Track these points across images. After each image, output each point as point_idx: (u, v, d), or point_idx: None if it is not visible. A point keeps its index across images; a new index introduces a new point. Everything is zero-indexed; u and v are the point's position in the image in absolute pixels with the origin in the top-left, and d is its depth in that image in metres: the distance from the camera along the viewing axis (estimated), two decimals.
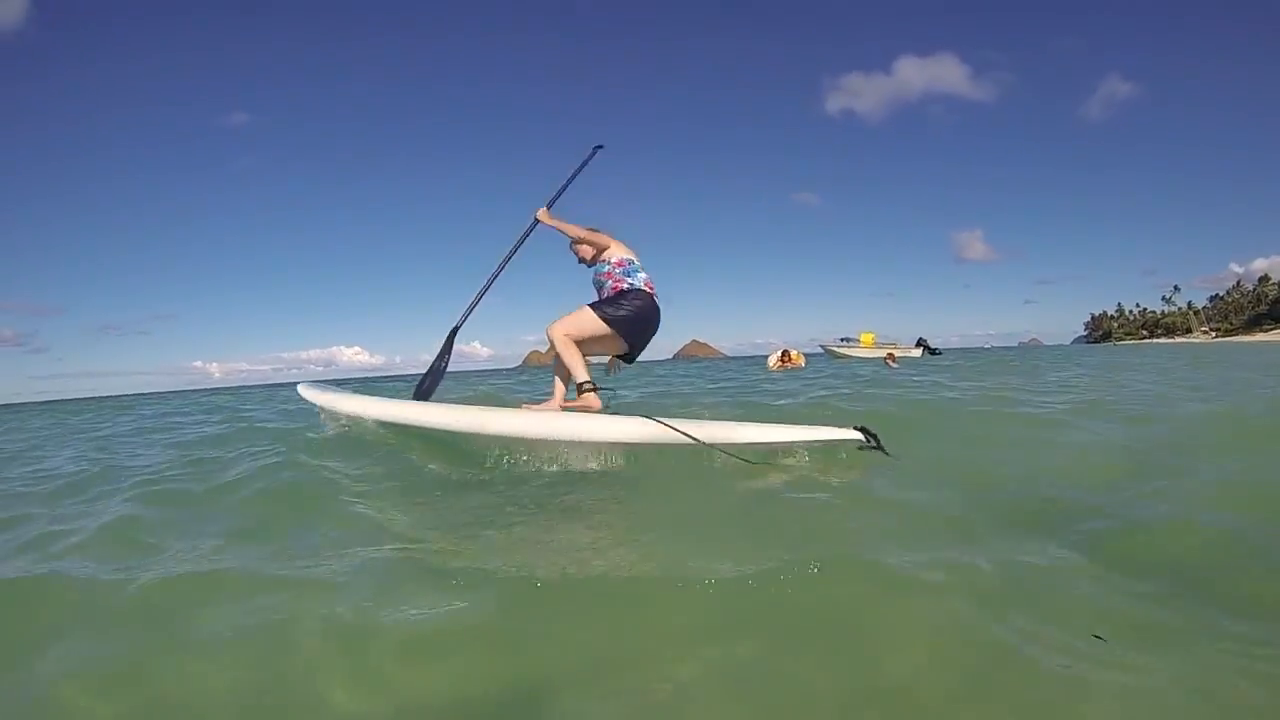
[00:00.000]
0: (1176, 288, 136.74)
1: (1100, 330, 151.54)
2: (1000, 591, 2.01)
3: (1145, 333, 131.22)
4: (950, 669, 1.64)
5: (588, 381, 4.48)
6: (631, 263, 4.70)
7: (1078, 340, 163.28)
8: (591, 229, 4.81)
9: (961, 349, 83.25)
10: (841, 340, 55.57)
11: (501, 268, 5.33)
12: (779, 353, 29.45)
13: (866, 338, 55.67)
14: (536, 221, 5.08)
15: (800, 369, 25.61)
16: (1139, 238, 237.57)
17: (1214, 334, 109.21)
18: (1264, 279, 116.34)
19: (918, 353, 52.31)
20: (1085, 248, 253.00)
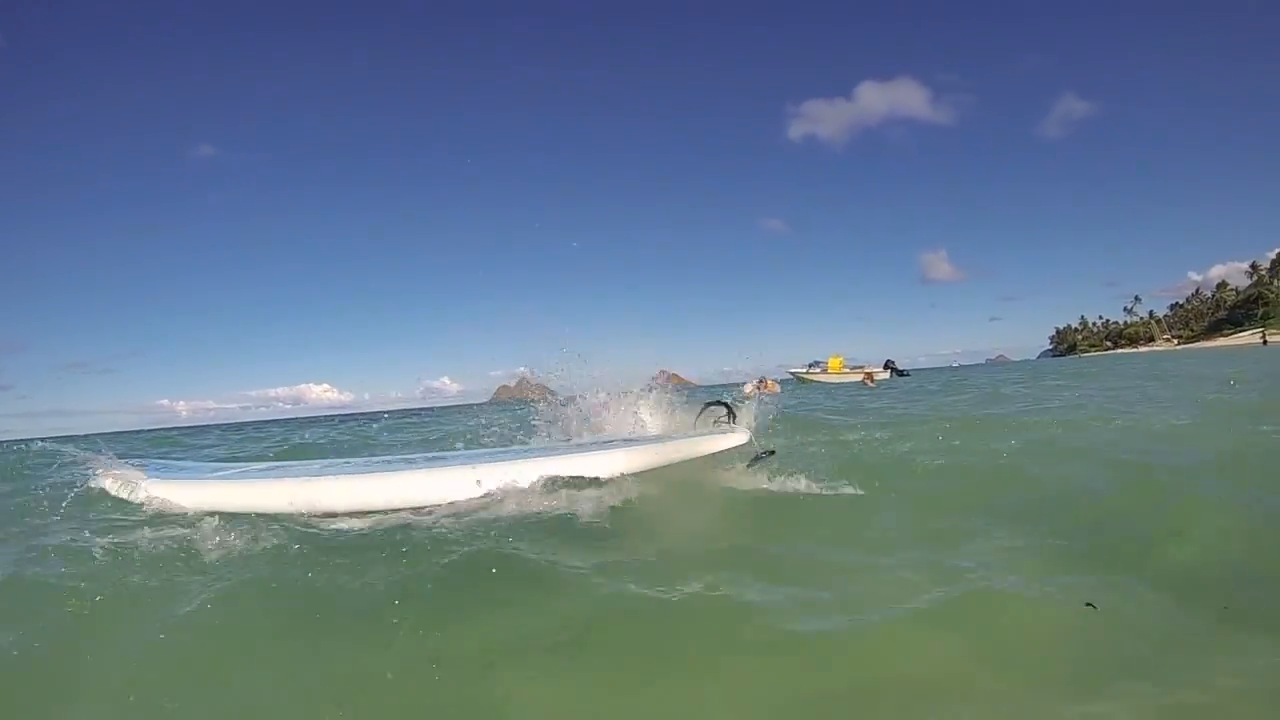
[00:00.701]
0: (1138, 298, 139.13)
1: (1065, 343, 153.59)
2: None
3: (1109, 344, 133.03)
4: None
5: None
6: None
7: (1043, 354, 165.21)
8: None
9: (930, 369, 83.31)
10: (810, 365, 55.18)
11: None
12: (755, 381, 29.93)
13: (834, 362, 55.48)
14: None
15: (776, 395, 25.48)
16: (1099, 251, 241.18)
17: (1176, 341, 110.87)
18: (1222, 285, 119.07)
19: (885, 375, 52.05)
20: (1047, 264, 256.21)
